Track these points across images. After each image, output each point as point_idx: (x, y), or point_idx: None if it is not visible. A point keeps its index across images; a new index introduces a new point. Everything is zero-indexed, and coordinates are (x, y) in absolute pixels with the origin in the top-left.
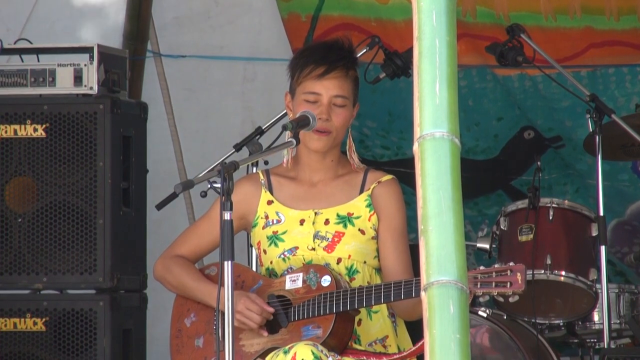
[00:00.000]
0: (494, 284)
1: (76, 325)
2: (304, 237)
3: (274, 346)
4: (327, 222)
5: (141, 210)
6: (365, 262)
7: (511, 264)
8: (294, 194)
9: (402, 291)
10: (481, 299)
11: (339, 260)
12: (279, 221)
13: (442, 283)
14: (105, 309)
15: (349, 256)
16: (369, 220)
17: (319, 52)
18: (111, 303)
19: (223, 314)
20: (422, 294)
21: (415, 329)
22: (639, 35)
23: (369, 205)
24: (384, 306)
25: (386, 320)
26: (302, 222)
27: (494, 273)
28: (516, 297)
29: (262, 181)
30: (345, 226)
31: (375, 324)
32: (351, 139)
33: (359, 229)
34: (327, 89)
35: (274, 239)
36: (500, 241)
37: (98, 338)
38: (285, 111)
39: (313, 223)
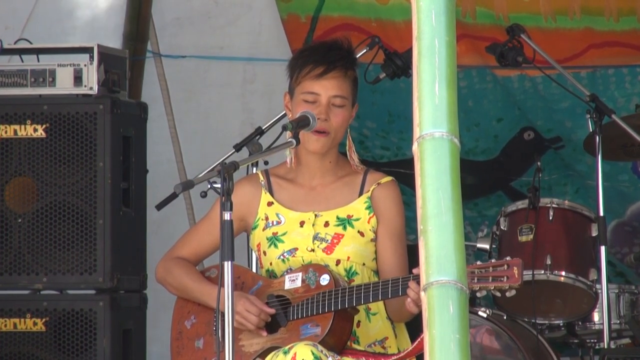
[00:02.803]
0: (490, 278)
1: (76, 326)
2: (304, 239)
3: (273, 345)
4: (326, 224)
5: (141, 210)
6: (364, 264)
7: (508, 258)
8: (294, 196)
9: (399, 288)
10: (478, 294)
11: (338, 262)
12: (279, 222)
13: (442, 283)
14: (105, 309)
15: (348, 258)
16: (369, 222)
17: (318, 52)
18: (111, 303)
19: (223, 314)
20: (422, 294)
21: (415, 330)
22: (639, 36)
23: (368, 208)
24: (382, 307)
25: (385, 321)
26: (302, 223)
27: (490, 268)
28: (513, 292)
29: (262, 182)
30: (344, 228)
31: (375, 326)
32: (350, 138)
33: (359, 231)
34: (325, 88)
35: (274, 240)
36: (500, 241)
37: (98, 338)
38: (285, 111)
39: (313, 225)
